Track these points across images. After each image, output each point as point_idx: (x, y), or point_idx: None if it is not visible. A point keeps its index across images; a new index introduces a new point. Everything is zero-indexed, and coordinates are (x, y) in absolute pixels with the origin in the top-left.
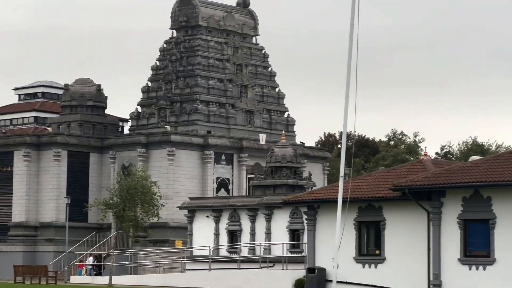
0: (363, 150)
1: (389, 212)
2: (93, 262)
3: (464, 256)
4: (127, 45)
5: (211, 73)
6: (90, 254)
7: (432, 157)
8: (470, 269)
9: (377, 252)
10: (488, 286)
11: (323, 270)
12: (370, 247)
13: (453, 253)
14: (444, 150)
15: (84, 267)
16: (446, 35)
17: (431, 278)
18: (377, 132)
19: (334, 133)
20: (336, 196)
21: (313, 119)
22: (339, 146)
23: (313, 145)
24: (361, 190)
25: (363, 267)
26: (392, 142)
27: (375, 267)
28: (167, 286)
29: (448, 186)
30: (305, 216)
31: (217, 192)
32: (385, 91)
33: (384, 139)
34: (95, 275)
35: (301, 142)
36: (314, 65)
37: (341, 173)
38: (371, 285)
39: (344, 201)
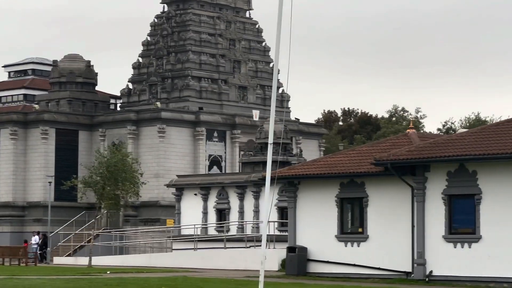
0: (366, 127)
1: (372, 188)
2: (39, 241)
3: (449, 233)
4: (118, 21)
5: (203, 48)
6: (35, 233)
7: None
8: (455, 247)
9: (360, 230)
10: (473, 263)
11: (304, 249)
12: (353, 225)
13: (438, 230)
14: (446, 126)
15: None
16: (454, 14)
17: (415, 257)
18: (380, 109)
19: (335, 110)
20: (318, 172)
21: (313, 96)
22: (340, 123)
23: (313, 122)
24: (343, 165)
25: (346, 245)
26: (394, 119)
27: (358, 246)
28: (150, 267)
29: (432, 160)
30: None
31: (209, 170)
32: (390, 70)
33: (386, 115)
34: (40, 255)
35: (296, 118)
36: (315, 41)
37: (270, 140)
38: (354, 265)
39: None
